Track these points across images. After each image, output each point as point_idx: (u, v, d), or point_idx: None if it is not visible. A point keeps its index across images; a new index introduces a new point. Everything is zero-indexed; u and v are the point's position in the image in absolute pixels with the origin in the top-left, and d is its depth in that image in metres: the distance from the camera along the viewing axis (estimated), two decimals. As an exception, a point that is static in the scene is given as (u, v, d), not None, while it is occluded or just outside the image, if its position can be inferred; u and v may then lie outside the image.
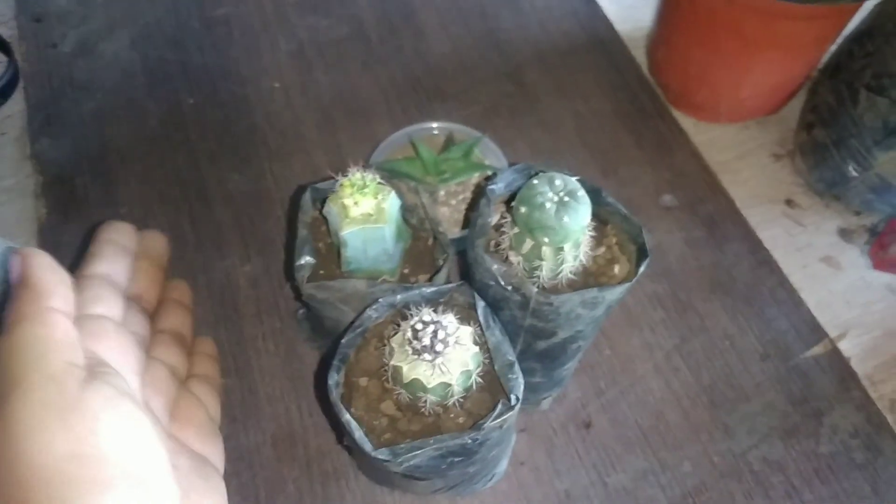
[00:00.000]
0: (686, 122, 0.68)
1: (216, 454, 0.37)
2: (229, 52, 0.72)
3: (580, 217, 0.39)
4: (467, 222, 0.57)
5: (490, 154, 0.60)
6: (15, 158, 0.64)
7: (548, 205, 0.38)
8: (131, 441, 0.29)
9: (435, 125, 0.61)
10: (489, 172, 0.59)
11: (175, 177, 0.63)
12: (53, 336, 0.30)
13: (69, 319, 0.31)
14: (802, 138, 0.65)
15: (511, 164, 0.59)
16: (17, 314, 0.30)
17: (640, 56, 0.73)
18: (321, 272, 0.46)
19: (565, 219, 0.38)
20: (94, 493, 0.27)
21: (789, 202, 0.64)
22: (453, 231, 0.56)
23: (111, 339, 0.33)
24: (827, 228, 0.63)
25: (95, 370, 0.30)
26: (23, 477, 0.27)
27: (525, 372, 0.48)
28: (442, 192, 0.59)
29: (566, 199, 0.39)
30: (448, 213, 0.58)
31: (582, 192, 0.39)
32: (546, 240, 0.39)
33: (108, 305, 0.35)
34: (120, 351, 0.34)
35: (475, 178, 0.59)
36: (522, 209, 0.39)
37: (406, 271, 0.48)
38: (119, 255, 0.40)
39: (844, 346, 0.56)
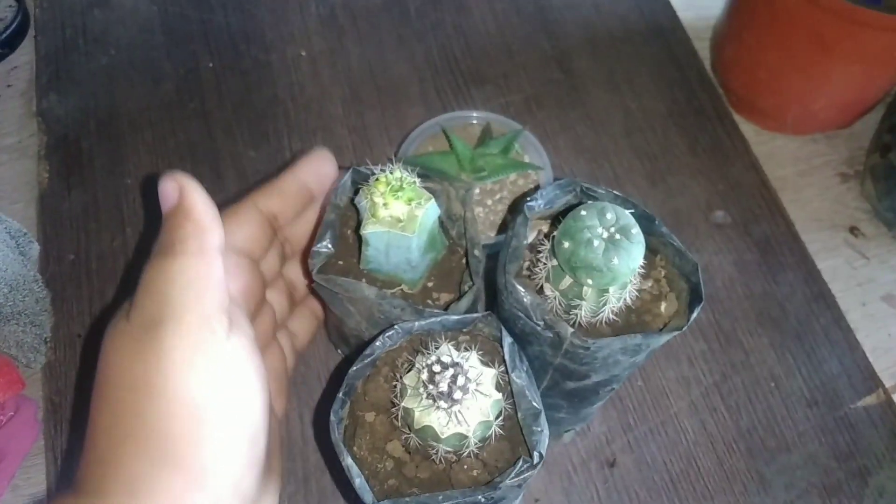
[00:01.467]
0: (747, 129, 0.62)
1: (280, 408, 0.41)
2: (255, 14, 0.66)
3: (632, 259, 0.34)
4: (504, 226, 0.52)
5: (530, 149, 0.55)
6: (19, 115, 0.60)
7: (596, 242, 0.33)
8: (253, 397, 0.32)
9: (474, 114, 0.56)
10: (531, 172, 0.54)
11: (187, 148, 0.59)
12: (212, 277, 0.31)
13: (221, 259, 0.32)
14: (875, 160, 0.59)
15: (551, 163, 0.54)
16: (181, 245, 0.31)
17: (703, 50, 0.66)
18: (339, 262, 0.42)
19: (615, 260, 0.33)
20: (217, 440, 0.30)
21: (853, 230, 0.58)
22: (488, 235, 0.52)
23: (242, 281, 0.37)
24: (893, 263, 0.57)
25: (234, 320, 0.32)
26: (166, 407, 0.29)
27: (549, 407, 0.44)
28: (477, 191, 0.54)
29: (617, 236, 0.34)
30: (483, 215, 0.53)
31: (636, 230, 0.34)
32: (590, 281, 0.34)
33: (256, 245, 0.39)
34: (247, 294, 0.38)
35: (513, 176, 0.54)
36: (566, 244, 0.34)
37: (430, 285, 0.43)
38: (299, 199, 0.42)
39: (901, 399, 0.51)
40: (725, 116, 0.62)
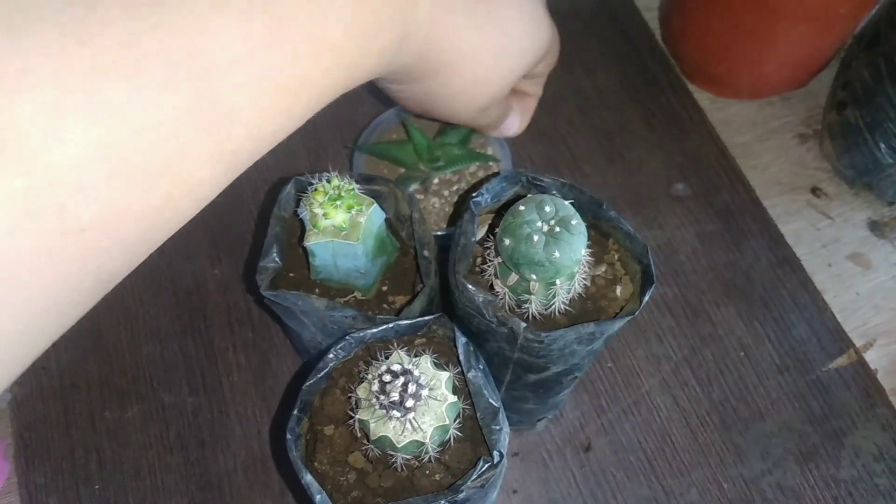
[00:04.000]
0: (702, 97, 0.62)
1: None
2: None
3: (574, 251, 0.33)
4: (456, 218, 0.52)
5: (493, 140, 0.54)
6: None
7: (535, 237, 0.33)
8: None
9: None
10: (491, 164, 0.53)
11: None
12: None
13: None
14: (832, 118, 0.58)
15: (510, 151, 0.53)
16: None
17: (652, 22, 0.66)
18: (290, 275, 0.41)
19: (556, 254, 0.33)
20: None
21: (815, 191, 0.58)
22: (441, 227, 0.51)
23: None
24: (856, 221, 0.57)
25: None
26: None
27: (516, 399, 0.44)
28: (436, 181, 0.53)
29: (557, 229, 0.33)
30: (439, 206, 0.53)
31: (576, 221, 0.34)
32: (534, 276, 0.34)
33: None
34: None
35: (473, 167, 0.53)
36: (506, 241, 0.33)
37: (385, 289, 0.43)
38: None
39: (871, 357, 0.51)
40: (679, 87, 0.62)
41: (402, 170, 0.51)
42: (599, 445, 0.48)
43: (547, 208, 0.34)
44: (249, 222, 0.55)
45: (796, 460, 0.48)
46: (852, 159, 0.57)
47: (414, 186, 0.50)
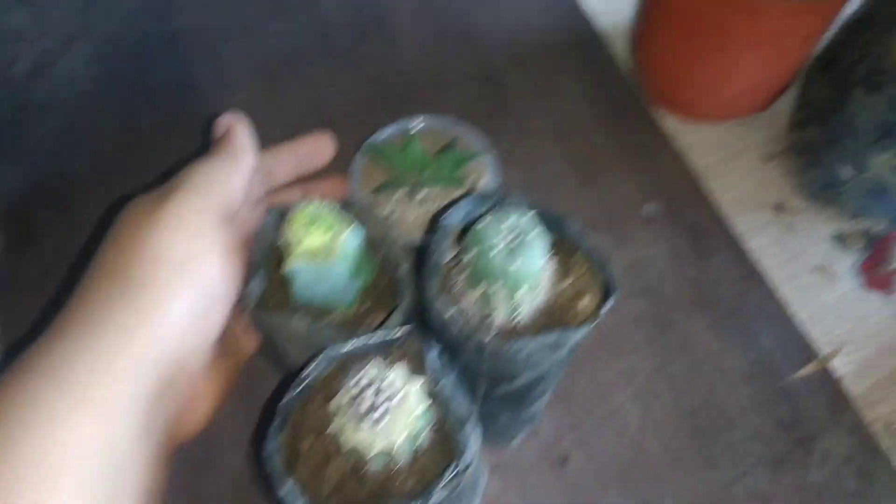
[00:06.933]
0: (670, 123, 0.65)
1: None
2: (190, 67, 0.69)
3: (533, 261, 0.36)
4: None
5: (489, 168, 0.56)
6: (-32, 190, 0.62)
7: (496, 250, 0.35)
8: (218, 278, 0.37)
9: (445, 124, 0.57)
10: (467, 189, 0.56)
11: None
12: (232, 179, 0.39)
13: (247, 173, 0.41)
14: (794, 137, 0.61)
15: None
16: (215, 151, 0.41)
17: (622, 53, 0.69)
18: (275, 297, 0.44)
19: (516, 264, 0.35)
20: (171, 290, 0.35)
21: (780, 206, 0.60)
22: (419, 236, 0.53)
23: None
24: (821, 234, 0.59)
25: (234, 219, 0.39)
26: (139, 255, 0.34)
27: (490, 415, 0.46)
28: (424, 192, 0.55)
29: (517, 241, 0.36)
30: (423, 217, 0.55)
31: (534, 234, 0.36)
32: (497, 288, 0.36)
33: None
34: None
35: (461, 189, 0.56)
36: (468, 255, 0.36)
37: (367, 305, 0.45)
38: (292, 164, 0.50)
39: (837, 365, 0.53)
40: (647, 113, 0.65)
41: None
42: (576, 458, 0.50)
43: (507, 223, 0.36)
44: (238, 252, 0.58)
45: (766, 466, 0.49)
46: (814, 176, 0.59)
47: (401, 191, 0.53)
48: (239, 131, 0.43)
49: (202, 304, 0.36)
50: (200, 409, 0.42)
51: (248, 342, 0.47)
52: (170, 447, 0.38)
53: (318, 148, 0.51)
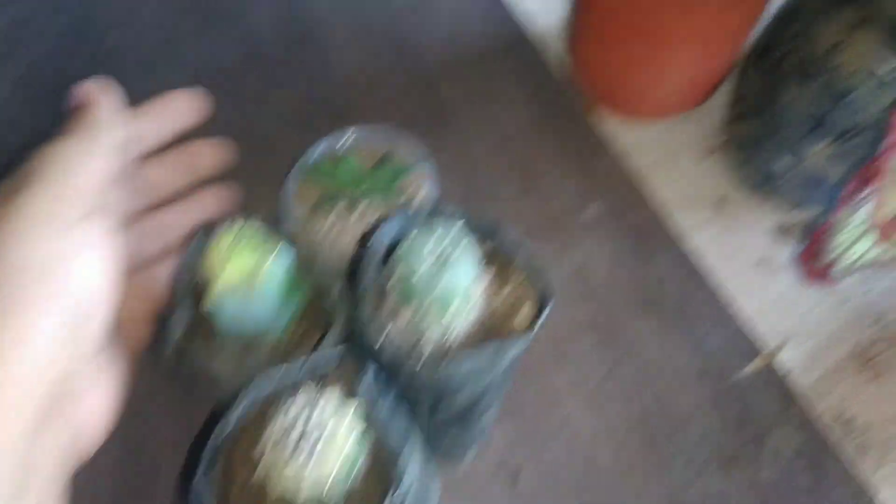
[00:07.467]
0: (610, 123, 0.64)
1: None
2: (121, 87, 0.66)
3: (462, 276, 0.35)
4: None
5: (427, 181, 0.55)
6: None
7: (422, 267, 0.34)
8: (90, 278, 0.32)
9: (381, 135, 0.55)
10: (406, 200, 0.55)
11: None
12: (89, 161, 0.32)
13: (109, 152, 0.34)
14: (732, 130, 0.61)
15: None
16: (66, 130, 0.33)
17: (559, 56, 0.68)
18: (201, 329, 0.42)
19: (443, 280, 0.34)
20: (37, 305, 0.29)
21: (722, 201, 0.60)
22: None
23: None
24: (763, 227, 0.59)
25: (101, 208, 0.32)
26: (7, 270, 0.29)
27: (437, 432, 0.45)
28: (364, 205, 0.54)
29: (444, 258, 0.34)
30: (364, 231, 0.53)
31: (462, 248, 0.35)
32: (426, 306, 0.35)
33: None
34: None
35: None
36: (396, 275, 0.35)
37: (301, 330, 0.43)
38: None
39: (784, 359, 0.53)
40: (587, 115, 0.64)
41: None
42: (528, 473, 0.48)
43: (434, 238, 0.35)
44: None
45: (719, 466, 0.49)
46: (753, 168, 0.60)
47: (340, 206, 0.51)
48: (99, 102, 0.35)
49: (78, 311, 0.31)
50: (100, 419, 0.36)
51: (140, 330, 0.41)
52: (70, 468, 0.33)
53: (188, 103, 0.45)
